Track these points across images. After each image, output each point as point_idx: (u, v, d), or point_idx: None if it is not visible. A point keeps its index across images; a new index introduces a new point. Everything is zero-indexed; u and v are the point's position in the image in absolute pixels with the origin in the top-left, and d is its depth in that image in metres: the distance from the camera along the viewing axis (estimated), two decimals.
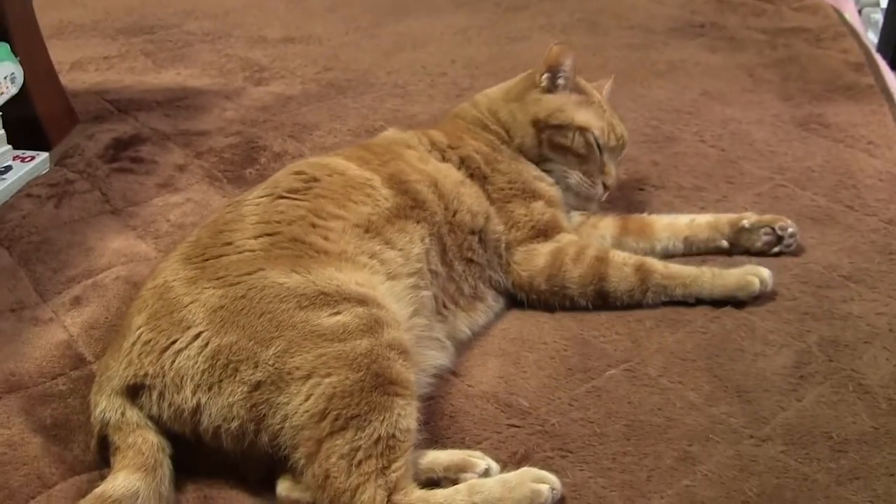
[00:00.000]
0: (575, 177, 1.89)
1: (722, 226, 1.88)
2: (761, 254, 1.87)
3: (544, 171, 1.89)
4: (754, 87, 2.79)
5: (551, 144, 1.88)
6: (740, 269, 1.75)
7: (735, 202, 2.10)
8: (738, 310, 1.71)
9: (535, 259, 1.75)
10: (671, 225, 1.90)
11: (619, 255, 1.75)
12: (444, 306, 1.64)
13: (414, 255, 1.59)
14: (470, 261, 1.71)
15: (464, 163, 1.81)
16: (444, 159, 1.80)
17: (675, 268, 1.75)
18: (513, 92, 1.95)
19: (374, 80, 2.93)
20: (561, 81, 1.90)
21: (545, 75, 1.89)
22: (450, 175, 1.75)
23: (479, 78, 2.90)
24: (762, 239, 1.87)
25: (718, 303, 1.73)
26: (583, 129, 1.86)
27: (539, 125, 1.88)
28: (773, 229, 1.87)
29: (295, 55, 3.19)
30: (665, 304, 1.74)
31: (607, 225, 1.91)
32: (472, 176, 1.79)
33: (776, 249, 1.87)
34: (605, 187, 1.92)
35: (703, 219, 1.90)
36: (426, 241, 1.63)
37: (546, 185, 1.86)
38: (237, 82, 2.95)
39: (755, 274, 1.73)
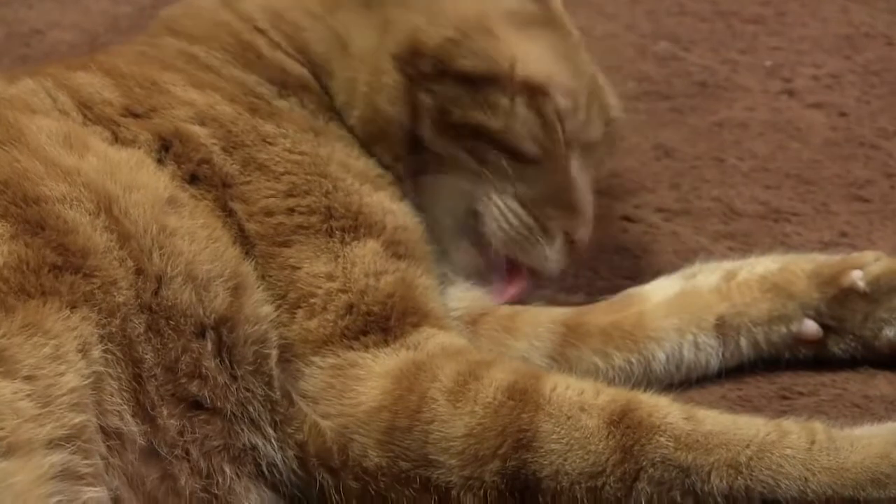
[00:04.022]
0: (498, 205, 1.05)
1: (800, 283, 1.04)
2: None
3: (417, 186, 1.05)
4: None
5: (443, 120, 1.03)
6: (880, 429, 0.90)
7: (870, 245, 1.13)
8: None
9: (354, 389, 0.91)
10: (682, 298, 1.04)
11: (569, 386, 0.87)
12: None
13: (63, 391, 0.87)
14: (197, 406, 0.90)
15: (169, 151, 0.96)
16: (116, 141, 0.96)
17: (714, 418, 0.87)
18: None
19: None
20: None
21: None
22: (140, 183, 0.93)
23: None
24: None
25: None
26: (534, 89, 1.02)
27: (416, 63, 1.02)
28: None
29: None
30: None
31: (539, 325, 1.03)
32: (192, 181, 0.95)
33: None
34: (570, 240, 1.06)
35: (757, 271, 1.05)
36: (94, 354, 0.88)
37: (389, 199, 1.00)
38: None
39: None
